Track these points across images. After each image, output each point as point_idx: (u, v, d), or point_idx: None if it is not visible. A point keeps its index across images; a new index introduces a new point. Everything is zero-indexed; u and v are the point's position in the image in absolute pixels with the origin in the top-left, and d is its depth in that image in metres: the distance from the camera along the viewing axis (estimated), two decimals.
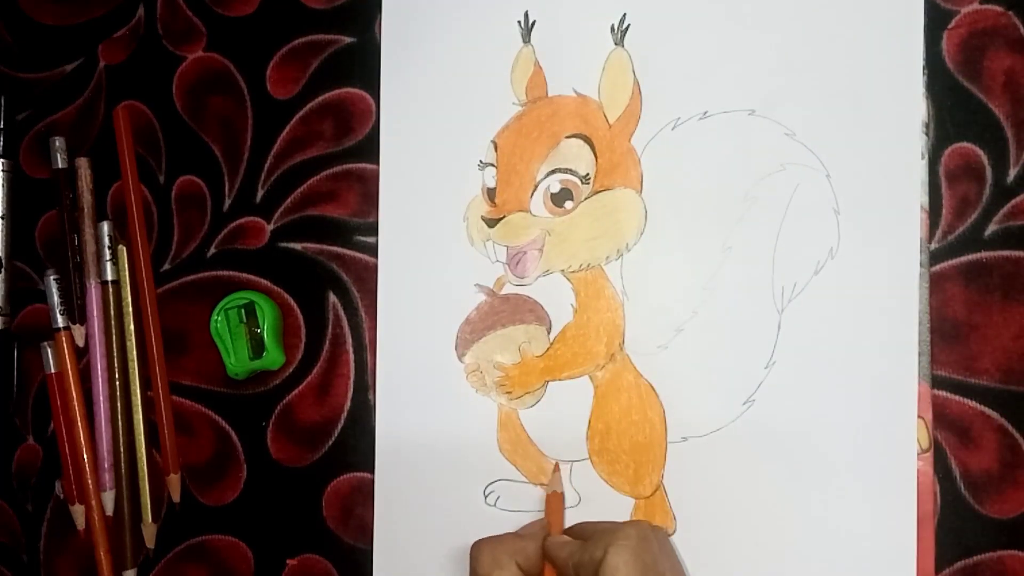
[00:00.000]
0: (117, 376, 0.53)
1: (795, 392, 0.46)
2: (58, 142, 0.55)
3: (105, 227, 0.54)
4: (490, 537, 0.45)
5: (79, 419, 0.53)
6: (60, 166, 0.55)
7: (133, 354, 0.53)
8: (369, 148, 0.52)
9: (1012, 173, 0.45)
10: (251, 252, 0.53)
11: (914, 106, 0.45)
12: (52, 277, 0.54)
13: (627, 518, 0.47)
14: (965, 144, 0.45)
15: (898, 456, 0.44)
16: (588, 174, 0.48)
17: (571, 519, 0.48)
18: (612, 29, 0.49)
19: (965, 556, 0.44)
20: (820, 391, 0.45)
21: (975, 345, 0.45)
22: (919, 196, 0.45)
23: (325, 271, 0.52)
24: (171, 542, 0.53)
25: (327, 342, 0.52)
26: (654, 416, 0.47)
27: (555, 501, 0.47)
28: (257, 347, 0.51)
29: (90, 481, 0.53)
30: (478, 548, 0.44)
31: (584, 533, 0.45)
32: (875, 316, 0.45)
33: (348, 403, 0.51)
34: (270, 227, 0.53)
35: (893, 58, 0.46)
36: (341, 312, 0.52)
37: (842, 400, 0.45)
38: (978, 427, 0.45)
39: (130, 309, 0.54)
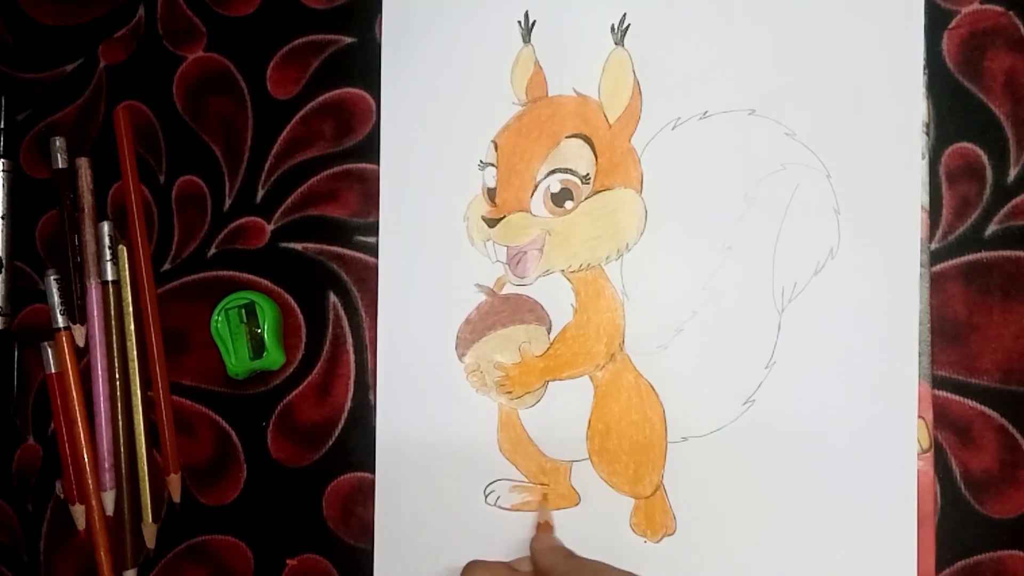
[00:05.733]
0: (117, 376, 0.53)
1: (795, 392, 0.46)
2: (58, 142, 0.55)
3: (105, 227, 0.54)
4: (484, 561, 0.46)
5: (79, 419, 0.53)
6: (60, 166, 0.55)
7: (133, 354, 0.53)
8: (369, 148, 0.52)
9: (1012, 173, 0.45)
10: (251, 252, 0.53)
11: (914, 106, 0.45)
12: (52, 277, 0.54)
13: (627, 518, 0.47)
14: (965, 144, 0.45)
15: (898, 456, 0.44)
16: (588, 174, 0.48)
17: (572, 520, 0.48)
18: (612, 29, 0.49)
19: (965, 556, 0.44)
20: (820, 391, 0.45)
21: (975, 345, 0.45)
22: (919, 196, 0.45)
23: (325, 271, 0.52)
24: (171, 542, 0.53)
25: (327, 342, 0.52)
26: (654, 416, 0.47)
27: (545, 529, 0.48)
28: (257, 347, 0.51)
29: (90, 481, 0.53)
30: (472, 570, 0.45)
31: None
32: (875, 316, 0.45)
33: (348, 403, 0.51)
34: (270, 227, 0.53)
35: (893, 58, 0.46)
36: (341, 312, 0.52)
37: (842, 400, 0.45)
38: (978, 427, 0.45)
39: (130, 309, 0.54)
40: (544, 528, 0.48)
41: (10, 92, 0.56)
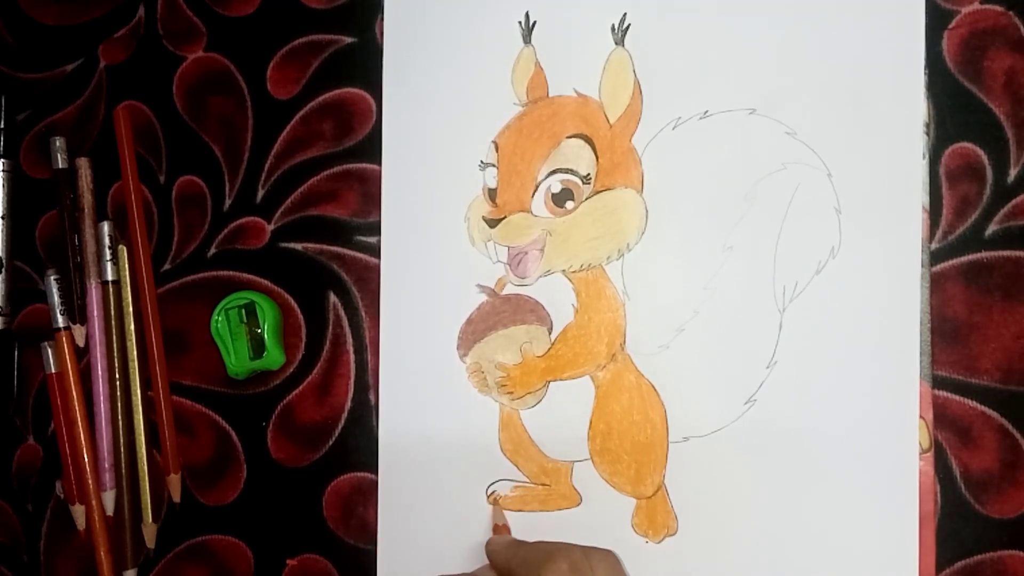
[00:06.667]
0: (117, 376, 0.53)
1: (796, 392, 0.46)
2: (58, 142, 0.55)
3: (105, 227, 0.54)
4: None
5: (79, 419, 0.53)
6: (60, 166, 0.55)
7: (133, 354, 0.53)
8: (369, 148, 0.52)
9: (1012, 173, 0.45)
10: (251, 252, 0.53)
11: (915, 106, 0.45)
12: (52, 277, 0.54)
13: (629, 519, 0.47)
14: (966, 144, 0.45)
15: (899, 456, 0.44)
16: (589, 174, 0.48)
17: (573, 520, 0.48)
18: (613, 29, 0.49)
19: (965, 556, 0.44)
20: (821, 391, 0.45)
21: (975, 345, 0.45)
22: (920, 196, 0.45)
23: (326, 271, 0.52)
24: (171, 542, 0.53)
25: (327, 342, 0.52)
26: (655, 416, 0.47)
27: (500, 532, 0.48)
28: (257, 347, 0.51)
29: (90, 481, 0.53)
30: None
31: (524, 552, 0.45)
32: (876, 316, 0.45)
33: (348, 403, 0.51)
34: (270, 227, 0.53)
35: (894, 58, 0.46)
36: (341, 312, 0.52)
37: (843, 400, 0.45)
38: (978, 427, 0.45)
39: (130, 309, 0.54)
40: (498, 530, 0.48)
41: (10, 92, 0.56)
